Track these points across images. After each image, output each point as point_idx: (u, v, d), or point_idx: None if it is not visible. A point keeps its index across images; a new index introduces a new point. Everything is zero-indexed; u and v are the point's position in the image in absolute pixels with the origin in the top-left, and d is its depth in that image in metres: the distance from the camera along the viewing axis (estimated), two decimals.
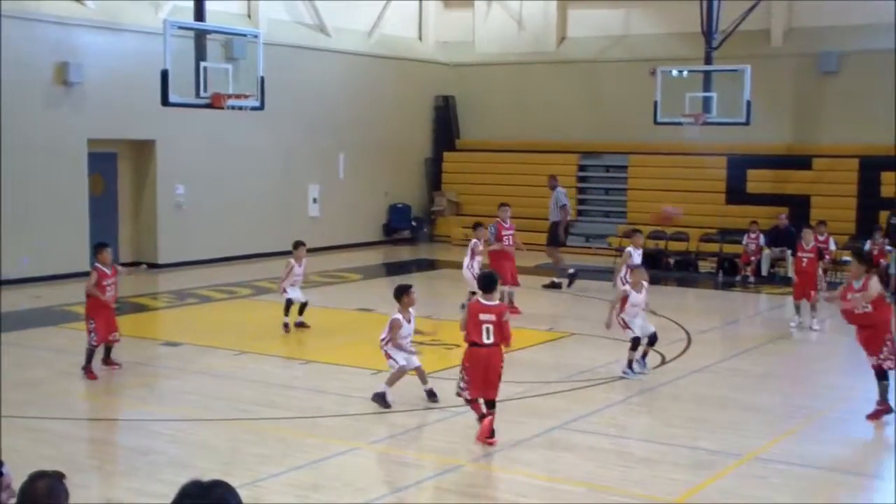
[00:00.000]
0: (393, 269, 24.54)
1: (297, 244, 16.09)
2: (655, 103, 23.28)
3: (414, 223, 29.22)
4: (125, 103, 21.34)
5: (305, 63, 25.71)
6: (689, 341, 15.33)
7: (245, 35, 19.73)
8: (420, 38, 30.86)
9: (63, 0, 20.81)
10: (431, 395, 11.41)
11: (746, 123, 22.71)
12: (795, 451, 10.08)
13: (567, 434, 10.39)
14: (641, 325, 13.02)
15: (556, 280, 20.66)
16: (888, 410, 10.96)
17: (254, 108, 17.38)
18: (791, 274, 21.93)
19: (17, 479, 4.22)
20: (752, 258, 22.22)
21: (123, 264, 15.69)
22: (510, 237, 17.56)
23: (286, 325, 15.53)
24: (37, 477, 4.11)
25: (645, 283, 13.23)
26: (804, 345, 16.02)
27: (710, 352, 14.94)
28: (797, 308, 16.74)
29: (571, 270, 20.63)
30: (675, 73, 23.42)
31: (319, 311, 18.05)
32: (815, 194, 24.51)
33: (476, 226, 17.42)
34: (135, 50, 21.31)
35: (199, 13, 17.45)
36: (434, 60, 30.41)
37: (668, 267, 23.78)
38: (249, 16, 24.86)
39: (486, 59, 30.13)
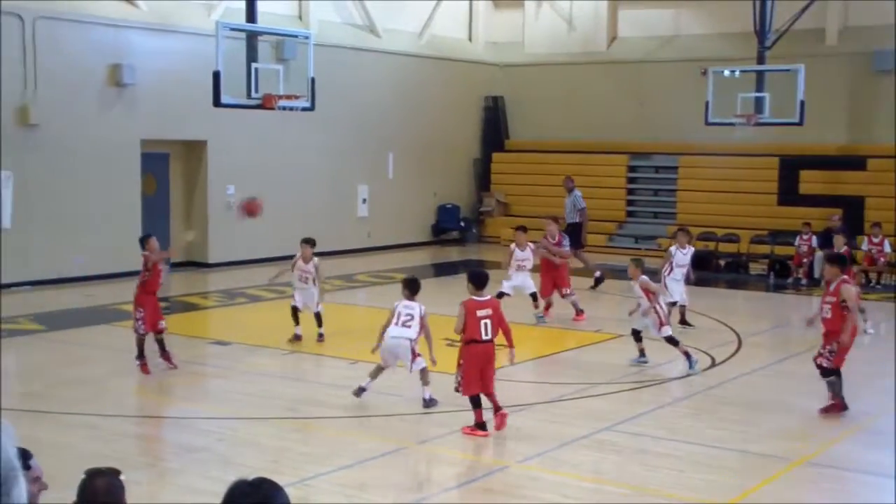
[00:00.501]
0: (441, 269, 24.54)
1: (303, 241, 15.34)
2: (707, 104, 23.10)
3: (462, 224, 29.22)
4: (177, 104, 21.58)
5: (355, 64, 25.82)
6: (740, 344, 15.20)
7: (296, 36, 19.87)
8: (470, 39, 30.87)
9: (116, 2, 21.10)
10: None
11: (800, 124, 22.45)
12: (847, 455, 9.96)
13: (615, 436, 10.34)
14: (641, 321, 13.44)
15: (597, 276, 20.59)
16: (843, 407, 11.16)
17: (304, 109, 17.48)
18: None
19: (72, 475, 4.28)
20: (805, 260, 21.97)
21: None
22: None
23: (297, 336, 14.69)
24: (95, 475, 4.17)
25: (648, 283, 13.41)
26: (856, 348, 15.75)
27: (760, 355, 14.79)
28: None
29: (598, 273, 20.59)
30: (726, 73, 23.22)
31: (368, 310, 18.15)
32: (870, 195, 24.17)
33: (518, 228, 17.22)
34: (187, 51, 21.54)
35: (251, 15, 17.61)
36: (483, 61, 30.40)
37: (718, 269, 23.57)
38: (300, 17, 25.02)
39: (535, 60, 30.06)
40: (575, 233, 21.11)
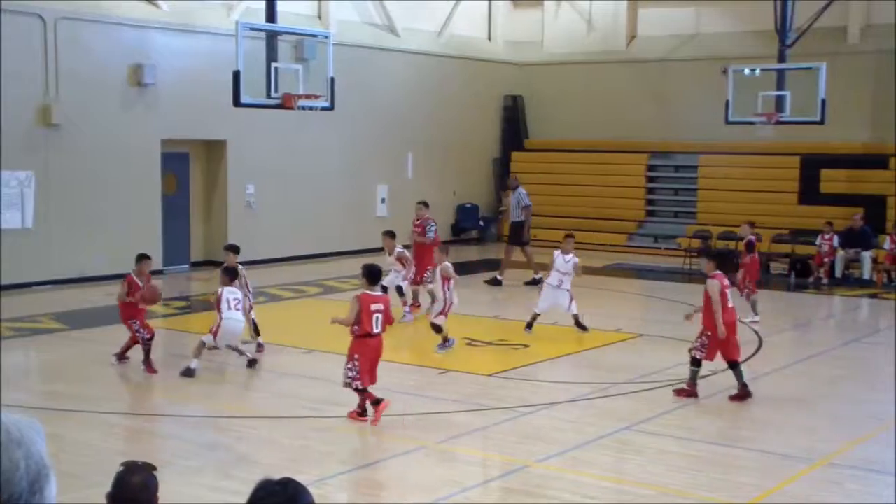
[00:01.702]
0: (461, 268, 24.43)
1: (225, 248, 14.75)
2: (727, 102, 23.00)
3: (482, 223, 29.20)
4: (197, 104, 21.65)
5: (375, 63, 25.85)
6: (760, 343, 15.13)
7: (315, 36, 19.91)
8: (489, 38, 30.85)
9: (137, 2, 21.20)
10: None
11: (821, 122, 22.32)
12: (869, 456, 9.88)
13: (635, 436, 10.31)
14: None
15: (536, 276, 20.56)
16: (692, 394, 11.67)
17: (324, 109, 17.49)
18: (866, 276, 21.66)
19: (93, 473, 4.31)
20: (826, 259, 21.86)
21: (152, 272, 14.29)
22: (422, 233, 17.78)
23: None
24: (131, 472, 4.22)
25: (447, 270, 14.17)
26: (878, 348, 15.71)
27: (781, 354, 14.72)
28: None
29: (538, 276, 20.49)
30: (747, 71, 23.09)
31: None
32: (892, 194, 24.00)
33: (567, 237, 16.51)
34: (207, 51, 21.62)
35: (271, 15, 17.63)
36: (503, 60, 30.37)
37: (738, 268, 23.44)
38: (320, 17, 25.07)
39: (555, 59, 30.02)
40: (517, 230, 21.37)
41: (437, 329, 14.05)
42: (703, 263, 12.29)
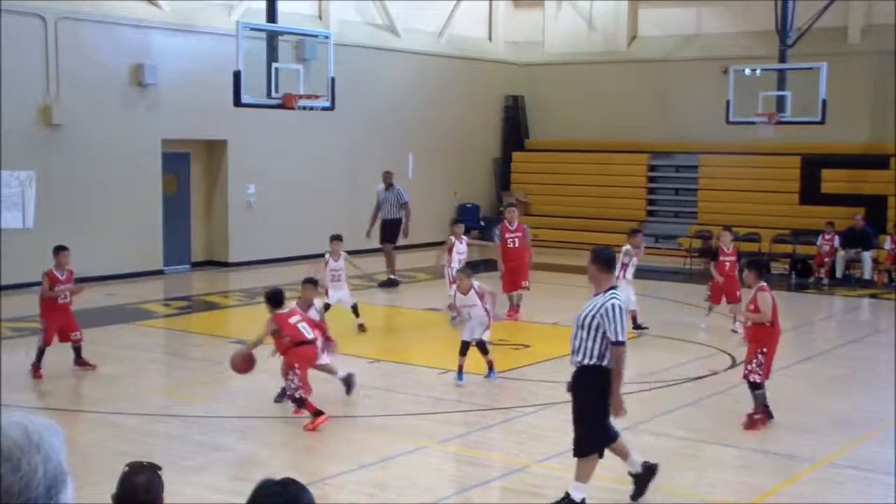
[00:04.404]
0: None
1: (333, 238, 15.92)
2: (728, 103, 23.00)
3: (483, 223, 29.19)
4: (198, 104, 21.65)
5: (375, 63, 25.84)
6: None
7: (316, 36, 19.91)
8: (490, 39, 30.85)
9: (138, 3, 21.19)
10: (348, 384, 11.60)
11: (822, 122, 22.32)
12: (870, 456, 9.89)
13: (636, 436, 10.29)
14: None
15: (392, 277, 20.59)
16: (767, 418, 10.66)
17: (324, 109, 17.50)
18: (867, 276, 21.64)
19: (93, 473, 4.31)
20: (827, 260, 21.85)
21: (78, 280, 13.71)
22: (516, 239, 17.15)
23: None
24: (136, 472, 4.21)
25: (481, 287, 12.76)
26: (878, 348, 15.71)
27: (782, 354, 14.62)
28: (710, 310, 16.37)
29: (393, 276, 20.51)
30: (748, 71, 23.09)
31: (388, 310, 18.14)
32: (893, 194, 24.00)
33: (633, 232, 16.39)
34: (208, 51, 21.62)
35: (271, 15, 17.64)
36: (504, 60, 30.37)
37: (739, 268, 23.44)
38: (320, 17, 25.06)
39: (555, 59, 30.02)
40: (393, 228, 21.14)
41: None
42: (748, 275, 11.05)
